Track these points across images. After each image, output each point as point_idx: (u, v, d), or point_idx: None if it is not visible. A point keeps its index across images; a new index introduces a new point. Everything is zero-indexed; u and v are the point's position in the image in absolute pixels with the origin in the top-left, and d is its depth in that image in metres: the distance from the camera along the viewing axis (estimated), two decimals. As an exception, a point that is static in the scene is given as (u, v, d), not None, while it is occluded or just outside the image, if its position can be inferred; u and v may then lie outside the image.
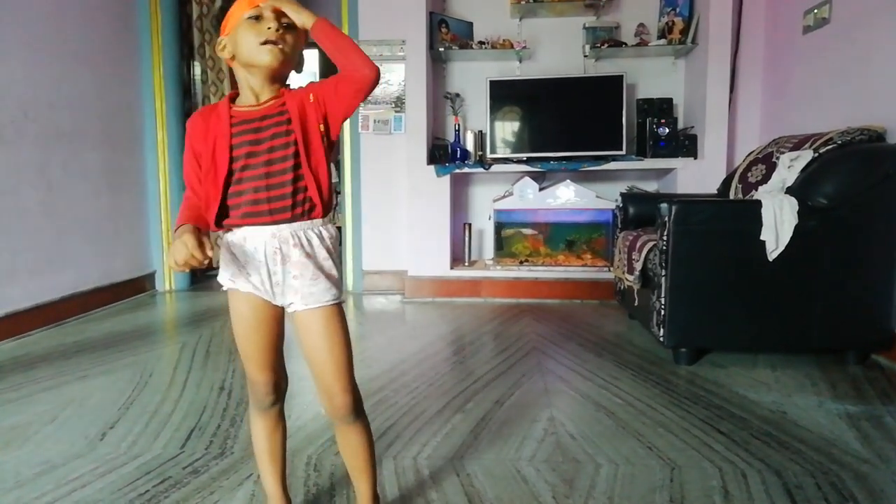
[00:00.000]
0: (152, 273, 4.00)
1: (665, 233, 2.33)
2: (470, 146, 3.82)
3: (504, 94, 3.76)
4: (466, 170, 3.74)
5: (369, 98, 3.69)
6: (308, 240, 1.11)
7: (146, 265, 3.96)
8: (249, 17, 1.07)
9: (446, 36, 3.79)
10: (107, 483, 1.48)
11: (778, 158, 2.57)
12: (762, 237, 2.25)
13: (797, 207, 2.23)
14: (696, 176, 3.53)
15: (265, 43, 1.05)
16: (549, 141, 3.76)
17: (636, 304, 2.77)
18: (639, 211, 3.12)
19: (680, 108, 3.88)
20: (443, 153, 3.77)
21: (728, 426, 1.81)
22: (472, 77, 3.95)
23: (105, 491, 1.45)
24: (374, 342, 2.79)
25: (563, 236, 3.90)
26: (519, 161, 3.72)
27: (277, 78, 1.11)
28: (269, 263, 1.10)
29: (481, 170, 3.72)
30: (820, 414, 1.90)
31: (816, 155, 2.38)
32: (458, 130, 3.83)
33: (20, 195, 2.89)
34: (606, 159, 3.63)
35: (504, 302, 3.64)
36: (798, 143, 2.56)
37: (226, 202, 1.10)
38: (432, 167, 3.69)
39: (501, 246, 3.91)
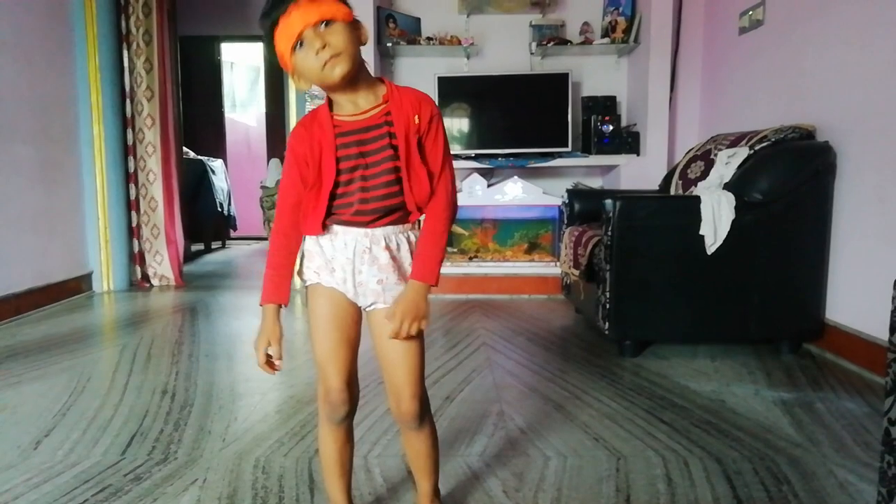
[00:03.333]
0: (89, 273, 3.84)
1: (609, 228, 2.39)
2: (418, 142, 3.81)
3: (452, 91, 3.76)
4: (415, 166, 3.72)
5: (314, 92, 3.64)
6: (397, 243, 1.11)
7: (83, 265, 3.80)
8: (294, 50, 1.00)
9: (394, 31, 3.76)
10: (41, 494, 1.42)
11: (716, 155, 2.66)
12: (701, 232, 2.33)
13: (734, 203, 2.32)
14: (639, 172, 3.62)
15: (325, 64, 0.99)
16: (496, 138, 3.79)
17: (582, 298, 2.82)
18: (584, 207, 3.18)
19: (623, 106, 3.97)
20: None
21: (670, 415, 1.87)
22: (421, 73, 3.93)
23: (39, 502, 1.38)
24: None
25: (511, 232, 3.94)
26: (467, 157, 3.74)
27: (358, 76, 1.05)
28: (357, 262, 1.10)
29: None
30: (756, 401, 1.98)
31: (752, 152, 2.48)
32: (407, 126, 3.80)
33: (-57, 192, 2.73)
34: (553, 156, 3.68)
35: (453, 298, 3.65)
36: (735, 141, 2.66)
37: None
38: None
39: (451, 242, 3.93)
